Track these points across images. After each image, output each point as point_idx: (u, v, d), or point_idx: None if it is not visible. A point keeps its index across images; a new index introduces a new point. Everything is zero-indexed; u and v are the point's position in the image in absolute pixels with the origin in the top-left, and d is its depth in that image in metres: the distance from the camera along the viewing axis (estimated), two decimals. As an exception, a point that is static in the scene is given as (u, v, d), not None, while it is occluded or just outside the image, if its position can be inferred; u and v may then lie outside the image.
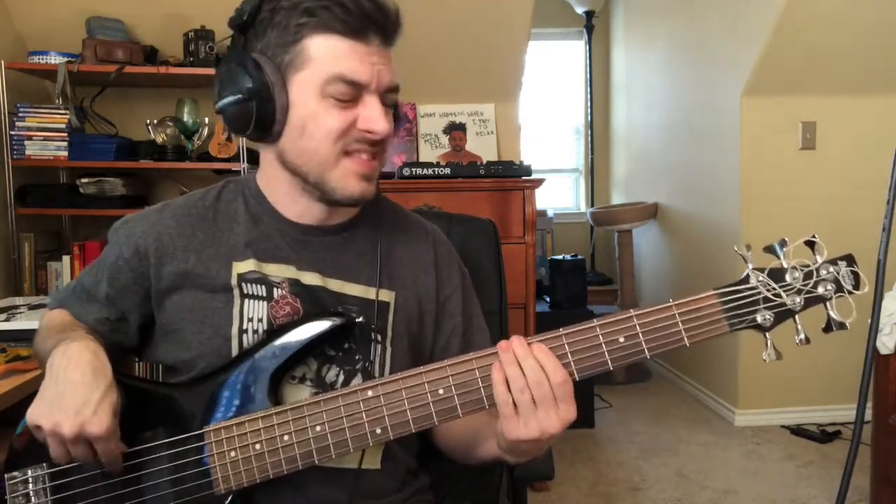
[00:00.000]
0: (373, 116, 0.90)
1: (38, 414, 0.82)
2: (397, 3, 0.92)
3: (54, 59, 2.58)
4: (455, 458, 1.07)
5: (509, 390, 0.79)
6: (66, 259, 2.62)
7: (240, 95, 0.89)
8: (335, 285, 0.98)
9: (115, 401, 0.84)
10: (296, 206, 0.98)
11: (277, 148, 0.94)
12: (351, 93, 0.89)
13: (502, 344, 0.81)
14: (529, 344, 0.80)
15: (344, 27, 0.87)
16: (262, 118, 0.89)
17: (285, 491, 0.92)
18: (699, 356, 3.56)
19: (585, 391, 3.14)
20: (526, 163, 2.71)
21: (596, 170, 4.82)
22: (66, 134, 2.58)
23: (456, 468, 1.24)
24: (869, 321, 1.37)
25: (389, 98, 0.94)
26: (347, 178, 0.92)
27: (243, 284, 0.96)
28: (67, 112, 2.58)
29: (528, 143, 4.56)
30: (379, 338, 0.99)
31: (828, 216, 3.04)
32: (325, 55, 0.88)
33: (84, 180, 2.67)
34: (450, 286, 1.07)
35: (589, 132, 4.79)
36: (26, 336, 1.04)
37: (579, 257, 3.40)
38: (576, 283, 3.37)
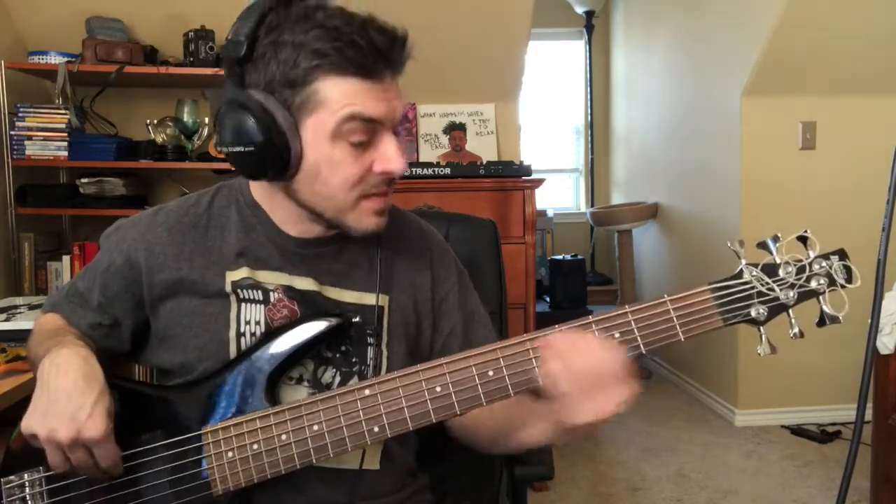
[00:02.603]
0: (389, 156, 0.88)
1: (33, 423, 0.82)
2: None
3: (54, 59, 2.58)
4: (479, 448, 1.05)
5: (561, 379, 0.78)
6: (66, 259, 2.62)
7: (252, 147, 0.84)
8: (330, 292, 0.98)
9: (109, 405, 0.84)
10: (295, 226, 0.97)
11: (287, 185, 0.91)
12: (366, 132, 0.87)
13: (541, 341, 0.80)
14: (572, 337, 0.79)
15: (357, 68, 0.84)
16: (275, 166, 0.86)
17: (285, 492, 0.91)
18: (699, 356, 3.56)
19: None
20: (526, 163, 2.71)
21: (596, 170, 4.82)
22: (66, 134, 2.58)
23: (456, 468, 1.24)
24: (869, 321, 1.37)
25: (399, 127, 0.92)
26: (364, 218, 0.91)
27: (239, 290, 0.95)
28: (67, 112, 2.58)
29: (528, 143, 4.56)
30: (375, 341, 0.98)
31: (828, 216, 3.04)
32: (340, 97, 0.84)
33: (84, 180, 2.67)
34: (446, 286, 1.06)
35: (589, 132, 4.79)
36: (26, 336, 1.03)
37: (579, 257, 3.40)
38: (576, 283, 3.38)
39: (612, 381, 0.77)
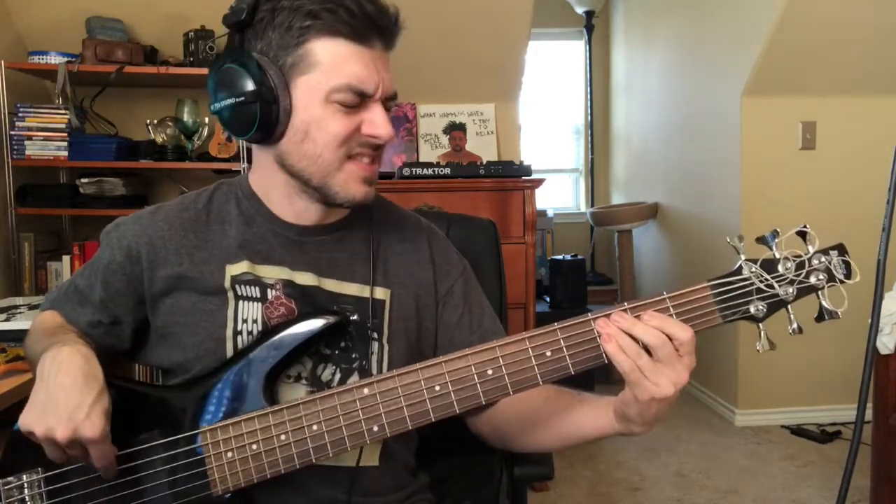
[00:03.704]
0: (378, 122, 0.90)
1: (31, 420, 0.82)
2: (398, 4, 0.92)
3: (54, 59, 2.59)
4: (502, 444, 1.04)
5: (628, 356, 0.79)
6: (66, 259, 2.63)
7: (242, 98, 0.87)
8: (330, 285, 0.98)
9: (107, 405, 0.84)
10: (291, 208, 0.98)
11: (277, 150, 0.93)
12: (357, 100, 0.89)
13: (601, 321, 0.81)
14: (637, 316, 0.80)
15: (349, 30, 0.86)
16: (264, 121, 0.88)
17: (285, 491, 0.91)
18: (699, 356, 3.49)
19: (585, 391, 3.13)
20: (526, 163, 2.71)
21: (596, 170, 4.82)
22: (66, 134, 2.59)
23: (456, 468, 1.24)
24: (869, 321, 1.36)
25: (389, 104, 0.94)
26: (350, 183, 0.92)
27: (237, 286, 0.95)
28: (67, 112, 2.58)
29: (528, 143, 4.56)
30: (376, 336, 0.98)
31: (828, 216, 3.03)
32: (331, 59, 0.87)
33: (84, 180, 2.67)
34: (449, 278, 1.06)
35: (589, 132, 4.79)
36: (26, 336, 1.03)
37: (579, 257, 3.40)
38: (576, 283, 3.38)
39: (684, 351, 0.79)
